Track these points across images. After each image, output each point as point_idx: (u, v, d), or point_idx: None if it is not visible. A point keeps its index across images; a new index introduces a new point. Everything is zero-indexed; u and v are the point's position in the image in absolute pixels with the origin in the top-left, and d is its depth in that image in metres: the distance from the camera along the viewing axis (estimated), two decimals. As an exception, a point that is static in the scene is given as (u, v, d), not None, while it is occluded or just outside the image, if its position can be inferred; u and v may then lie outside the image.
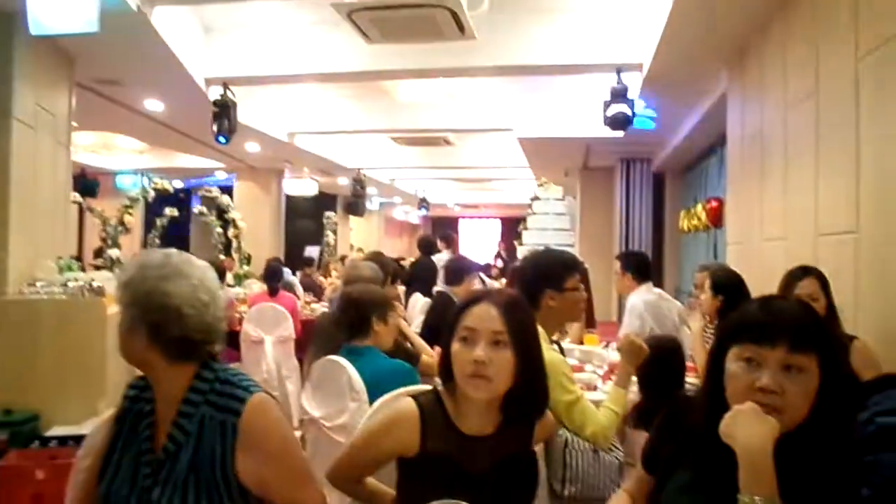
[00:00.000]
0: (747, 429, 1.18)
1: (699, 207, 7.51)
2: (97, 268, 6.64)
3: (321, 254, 12.17)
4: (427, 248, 6.69)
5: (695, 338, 3.47)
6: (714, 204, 6.83)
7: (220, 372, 1.49)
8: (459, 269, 4.88)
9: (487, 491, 1.52)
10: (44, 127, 4.61)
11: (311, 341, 3.75)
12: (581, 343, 4.37)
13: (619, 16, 5.44)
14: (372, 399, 2.12)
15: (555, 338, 2.71)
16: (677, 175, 9.82)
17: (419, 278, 5.98)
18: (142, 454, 1.45)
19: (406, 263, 8.10)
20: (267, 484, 1.44)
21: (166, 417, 1.46)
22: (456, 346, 1.55)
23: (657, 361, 2.52)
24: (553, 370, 1.93)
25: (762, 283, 3.19)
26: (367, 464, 1.69)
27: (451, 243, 10.68)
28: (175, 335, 1.42)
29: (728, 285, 3.27)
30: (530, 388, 1.58)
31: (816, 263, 2.86)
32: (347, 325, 2.71)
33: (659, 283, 5.08)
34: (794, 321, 1.26)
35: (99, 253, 8.31)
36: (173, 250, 1.53)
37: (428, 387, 1.84)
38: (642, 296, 3.92)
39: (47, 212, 4.67)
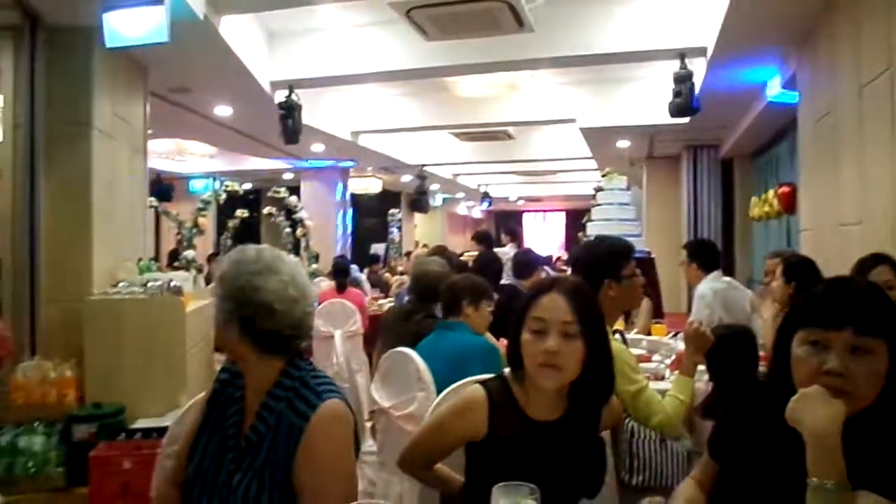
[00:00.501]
0: (814, 412, 1.17)
1: (770, 194, 7.28)
2: (174, 268, 6.91)
3: (387, 250, 12.33)
4: (486, 240, 6.70)
5: (767, 326, 3.38)
6: (786, 189, 6.61)
7: (304, 372, 1.53)
8: (528, 262, 4.89)
9: (555, 476, 1.54)
10: (121, 135, 4.82)
11: (379, 335, 3.84)
12: (648, 333, 4.33)
13: (679, 0, 5.33)
14: (456, 372, 2.18)
15: (618, 327, 2.70)
16: (747, 161, 9.53)
17: (485, 271, 6.00)
18: (228, 439, 1.51)
19: (468, 258, 8.13)
20: (302, 489, 1.44)
21: (252, 407, 1.52)
22: (526, 337, 1.58)
23: (728, 350, 2.48)
24: (617, 360, 1.93)
25: (836, 270, 3.09)
26: (437, 449, 1.73)
27: (516, 237, 10.68)
28: (266, 329, 1.48)
29: (801, 272, 3.18)
30: (597, 375, 1.61)
31: (894, 249, 2.75)
32: (443, 306, 3.03)
33: (730, 272, 4.95)
34: (860, 303, 1.24)
35: (174, 254, 8.65)
36: (266, 246, 1.59)
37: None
38: (710, 284, 3.85)
39: (127, 216, 4.89)
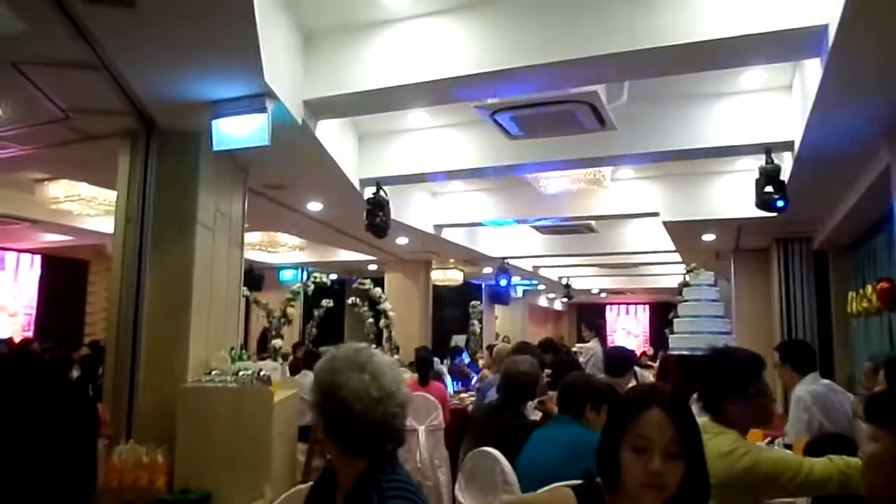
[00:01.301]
0: None
1: (869, 289, 6.94)
2: (261, 357, 7.12)
3: (467, 342, 12.32)
4: (549, 347, 6.66)
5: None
6: (885, 285, 6.30)
7: (384, 480, 1.50)
8: (623, 360, 4.79)
9: None
10: (221, 230, 5.11)
11: (467, 432, 3.81)
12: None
13: (764, 95, 5.34)
14: (569, 463, 2.21)
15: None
16: (841, 254, 9.15)
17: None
18: None
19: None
20: None
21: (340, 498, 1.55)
22: (629, 455, 1.54)
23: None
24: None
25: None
26: None
27: (599, 331, 10.49)
28: (343, 426, 1.50)
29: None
30: (694, 492, 1.56)
31: None
32: (561, 405, 2.97)
33: (829, 373, 4.68)
34: None
35: (263, 342, 8.90)
36: (363, 345, 1.61)
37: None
38: (808, 387, 3.66)
39: (222, 307, 5.11)
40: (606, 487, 1.61)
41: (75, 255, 11.78)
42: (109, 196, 7.37)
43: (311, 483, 1.68)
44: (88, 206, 7.67)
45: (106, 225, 8.12)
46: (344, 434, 1.51)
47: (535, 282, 16.61)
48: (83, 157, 5.69)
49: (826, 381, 3.82)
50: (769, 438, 3.98)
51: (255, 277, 11.20)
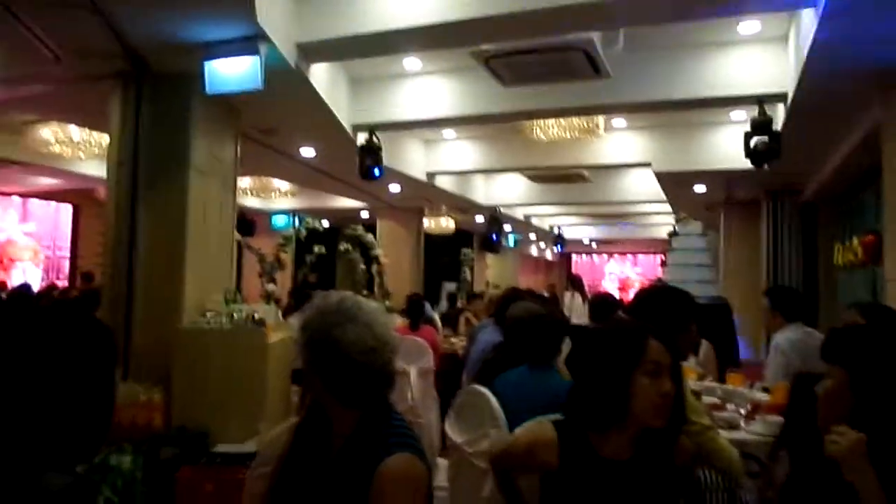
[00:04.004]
0: None
1: (855, 241, 7.04)
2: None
3: (458, 290, 12.44)
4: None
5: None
6: (870, 238, 6.39)
7: (384, 427, 1.52)
8: (606, 306, 4.87)
9: None
10: (214, 173, 5.11)
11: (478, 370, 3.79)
12: (723, 382, 4.25)
13: (758, 47, 5.32)
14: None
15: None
16: (831, 206, 9.23)
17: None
18: (314, 470, 1.56)
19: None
20: None
21: (336, 446, 1.56)
22: (644, 381, 1.60)
23: (807, 399, 2.43)
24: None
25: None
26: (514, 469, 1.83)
27: (580, 287, 10.75)
28: (343, 381, 1.51)
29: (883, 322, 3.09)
30: (679, 412, 1.67)
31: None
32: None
33: (813, 322, 4.77)
34: None
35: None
36: (348, 294, 1.60)
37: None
38: (788, 334, 3.76)
39: (216, 250, 5.14)
40: (595, 423, 1.66)
41: (63, 199, 11.73)
42: (101, 139, 7.32)
43: (296, 419, 1.69)
44: (79, 150, 7.62)
45: (97, 168, 8.09)
46: (343, 388, 1.51)
47: (522, 236, 16.68)
48: (75, 100, 5.64)
49: (808, 329, 3.91)
50: (749, 382, 4.10)
51: (247, 223, 11.17)
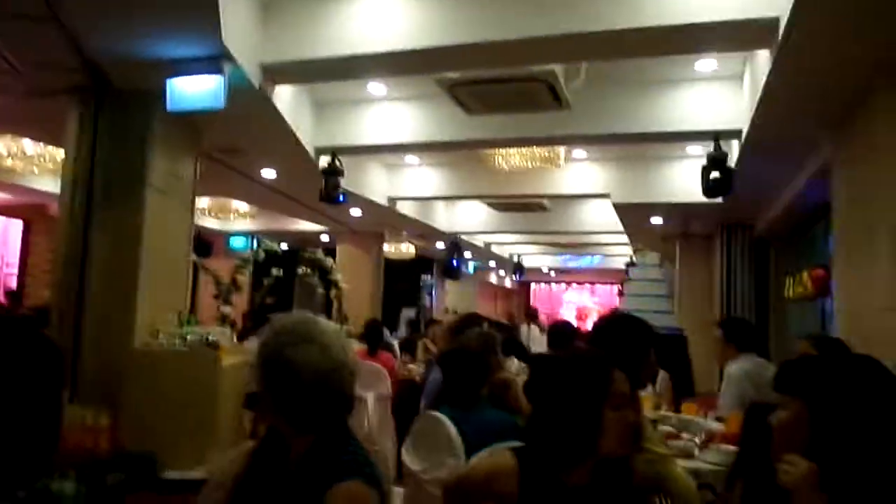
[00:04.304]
0: None
1: (804, 275, 7.24)
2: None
3: (418, 315, 12.40)
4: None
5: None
6: (819, 272, 6.58)
7: (338, 447, 1.48)
8: (564, 334, 4.90)
9: None
10: (172, 192, 5.01)
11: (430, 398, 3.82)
12: (678, 411, 4.30)
13: (715, 84, 5.48)
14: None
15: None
16: (782, 241, 9.49)
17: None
18: (273, 488, 1.52)
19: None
20: None
21: (292, 468, 1.51)
22: (612, 414, 1.61)
23: (761, 428, 2.47)
24: None
25: (880, 353, 3.07)
26: None
27: (535, 318, 10.97)
28: (296, 404, 1.46)
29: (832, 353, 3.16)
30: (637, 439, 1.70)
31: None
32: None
33: (764, 353, 4.88)
34: None
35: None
36: (309, 315, 1.55)
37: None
38: (740, 364, 3.84)
39: (171, 270, 5.03)
40: (562, 456, 1.63)
41: (13, 215, 11.40)
42: (56, 154, 7.15)
43: (252, 444, 1.63)
44: (33, 164, 7.43)
45: (51, 184, 7.89)
46: (295, 410, 1.46)
47: (482, 264, 16.78)
48: (31, 114, 5.51)
49: (759, 360, 4.00)
50: (703, 412, 4.16)
51: (204, 243, 11.01)
